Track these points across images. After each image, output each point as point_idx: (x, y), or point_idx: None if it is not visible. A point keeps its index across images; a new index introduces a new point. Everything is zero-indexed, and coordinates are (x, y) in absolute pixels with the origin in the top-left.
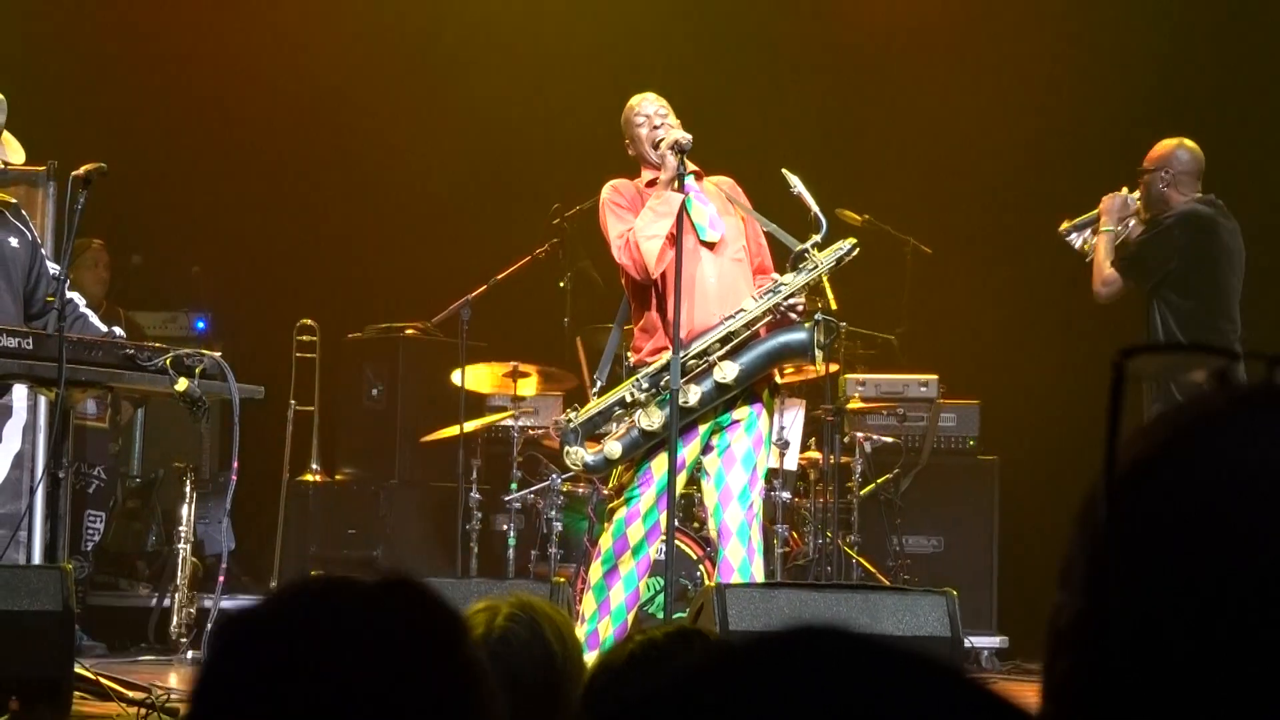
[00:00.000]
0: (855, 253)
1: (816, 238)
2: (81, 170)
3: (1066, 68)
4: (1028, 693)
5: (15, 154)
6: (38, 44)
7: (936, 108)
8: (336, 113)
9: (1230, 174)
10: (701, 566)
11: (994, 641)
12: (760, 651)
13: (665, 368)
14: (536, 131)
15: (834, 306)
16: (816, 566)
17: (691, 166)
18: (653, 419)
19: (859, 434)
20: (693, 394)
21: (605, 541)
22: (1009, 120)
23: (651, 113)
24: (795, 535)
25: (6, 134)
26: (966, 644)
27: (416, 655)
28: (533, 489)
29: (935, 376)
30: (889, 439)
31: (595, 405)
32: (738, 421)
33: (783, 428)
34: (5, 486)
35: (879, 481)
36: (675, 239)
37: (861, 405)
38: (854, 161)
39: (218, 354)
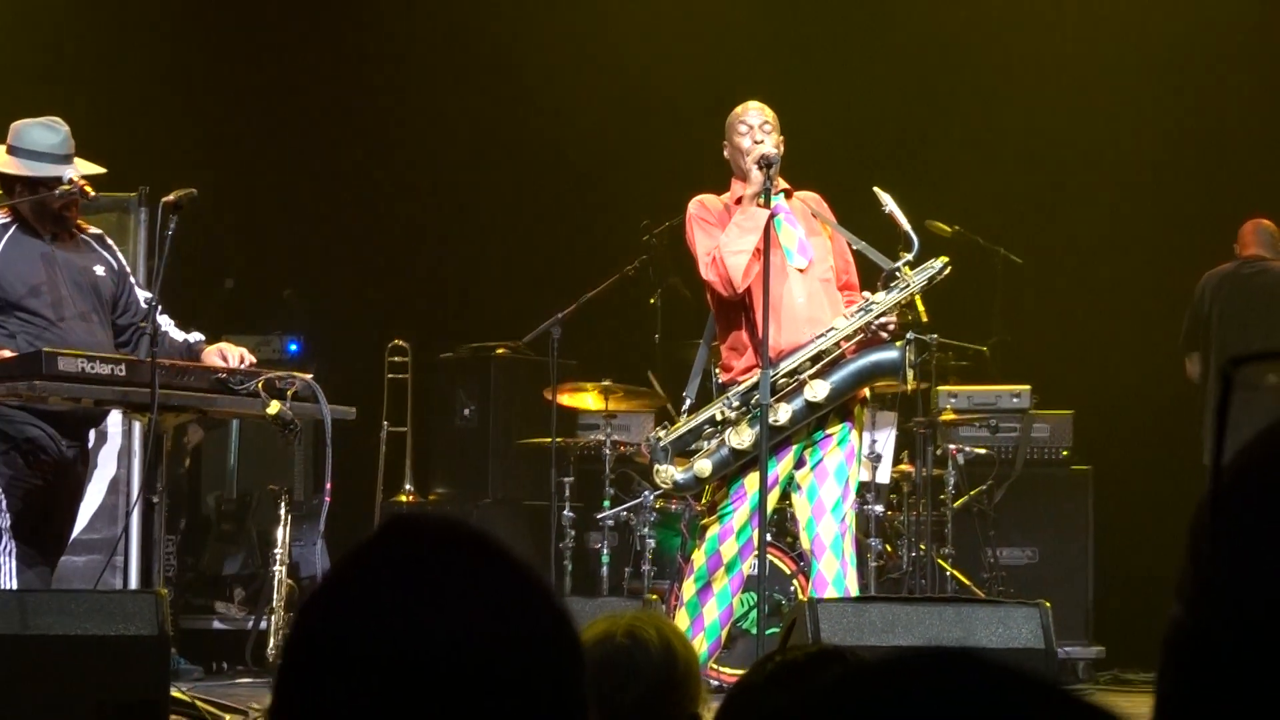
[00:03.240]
0: (946, 271)
1: (908, 256)
2: (172, 196)
3: (1157, 73)
4: (1125, 703)
5: (90, 168)
6: (129, 68)
7: (1025, 116)
8: (424, 134)
9: None
10: (795, 581)
11: (1090, 652)
12: (892, 673)
13: (756, 386)
14: (624, 147)
15: (925, 320)
16: (910, 579)
17: (782, 184)
18: (743, 437)
19: (951, 446)
20: (783, 412)
21: (699, 558)
22: (1098, 128)
23: (756, 123)
24: (889, 548)
25: (80, 161)
26: (1062, 655)
27: (510, 596)
28: (625, 506)
29: (1028, 387)
30: (982, 450)
31: (685, 423)
32: (830, 435)
33: (874, 441)
34: (101, 512)
35: (972, 493)
36: (763, 256)
37: (954, 417)
38: (943, 173)
39: (309, 376)
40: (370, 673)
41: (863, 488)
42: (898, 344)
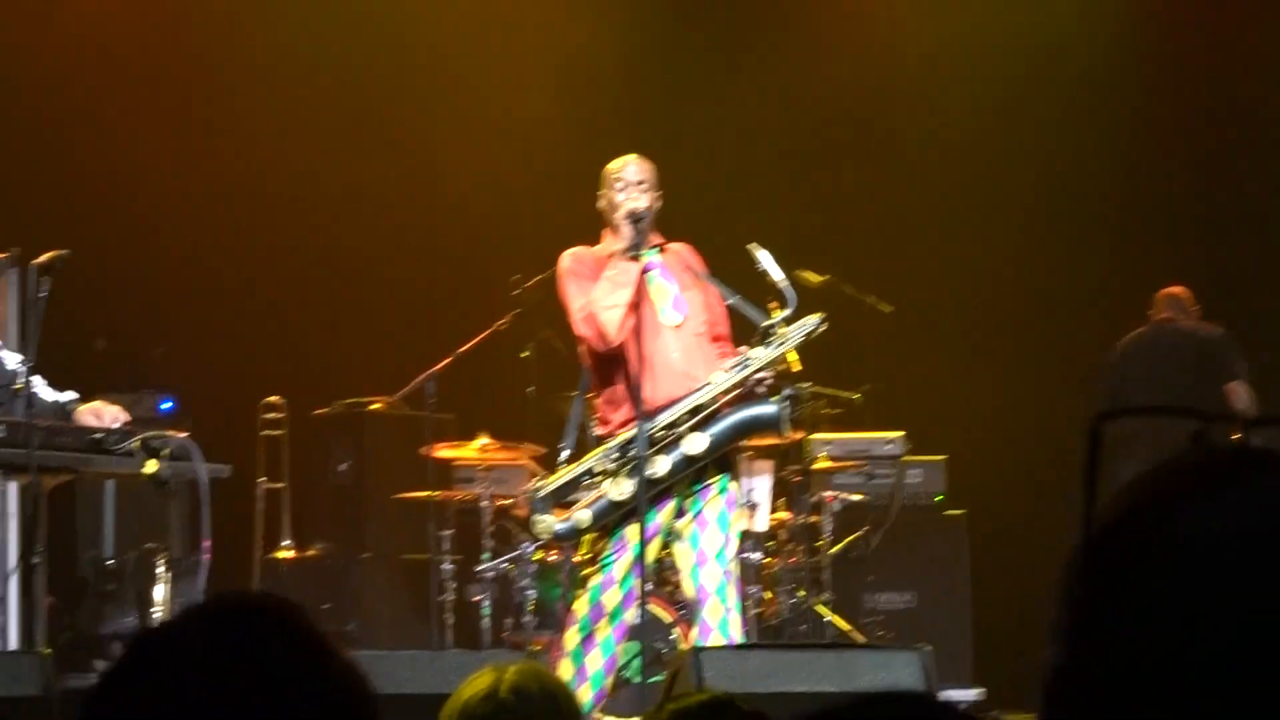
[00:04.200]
0: (823, 328)
1: (785, 312)
2: (44, 258)
3: (1019, 118)
4: None
5: None
6: None
7: (895, 164)
8: (295, 187)
9: None
10: (676, 630)
11: (971, 694)
12: (851, 714)
13: (634, 438)
14: (496, 202)
15: (797, 368)
16: (791, 626)
17: (656, 239)
18: (622, 489)
19: (827, 493)
20: (662, 464)
21: (581, 608)
22: (964, 175)
23: (632, 180)
24: (768, 595)
25: None
26: (942, 698)
27: (290, 671)
28: (505, 558)
29: (901, 433)
30: (857, 497)
31: (563, 474)
32: (709, 485)
33: (751, 489)
34: None
35: (849, 540)
36: (636, 311)
37: (829, 464)
38: (813, 221)
39: (185, 434)
40: None
41: (741, 535)
42: (774, 398)
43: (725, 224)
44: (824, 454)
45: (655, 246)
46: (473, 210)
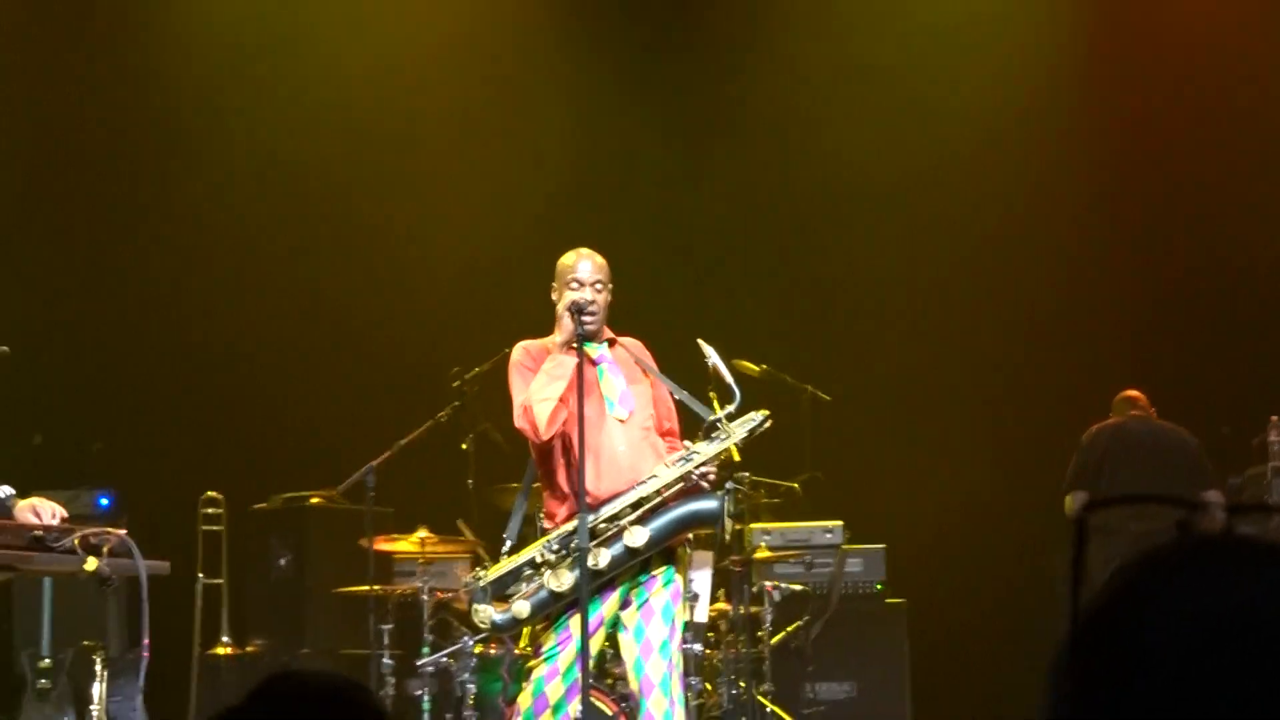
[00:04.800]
0: (767, 424)
1: (730, 408)
2: None
3: (966, 214)
4: None
5: None
6: None
7: (833, 255)
8: (232, 282)
9: None
10: None
11: None
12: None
13: (575, 530)
14: (434, 295)
15: (737, 459)
16: (731, 718)
17: (606, 334)
18: (562, 580)
19: (767, 583)
20: (603, 557)
21: (524, 700)
22: (905, 263)
23: (586, 280)
24: (709, 687)
25: None
26: None
27: None
28: (445, 652)
29: (840, 523)
30: (797, 586)
31: (504, 565)
32: (655, 576)
33: (692, 580)
34: None
35: (789, 630)
36: (579, 403)
37: (768, 554)
38: (752, 311)
39: (124, 532)
40: None
41: (682, 627)
42: (717, 493)
43: (670, 316)
44: (763, 544)
45: (605, 341)
46: (414, 302)
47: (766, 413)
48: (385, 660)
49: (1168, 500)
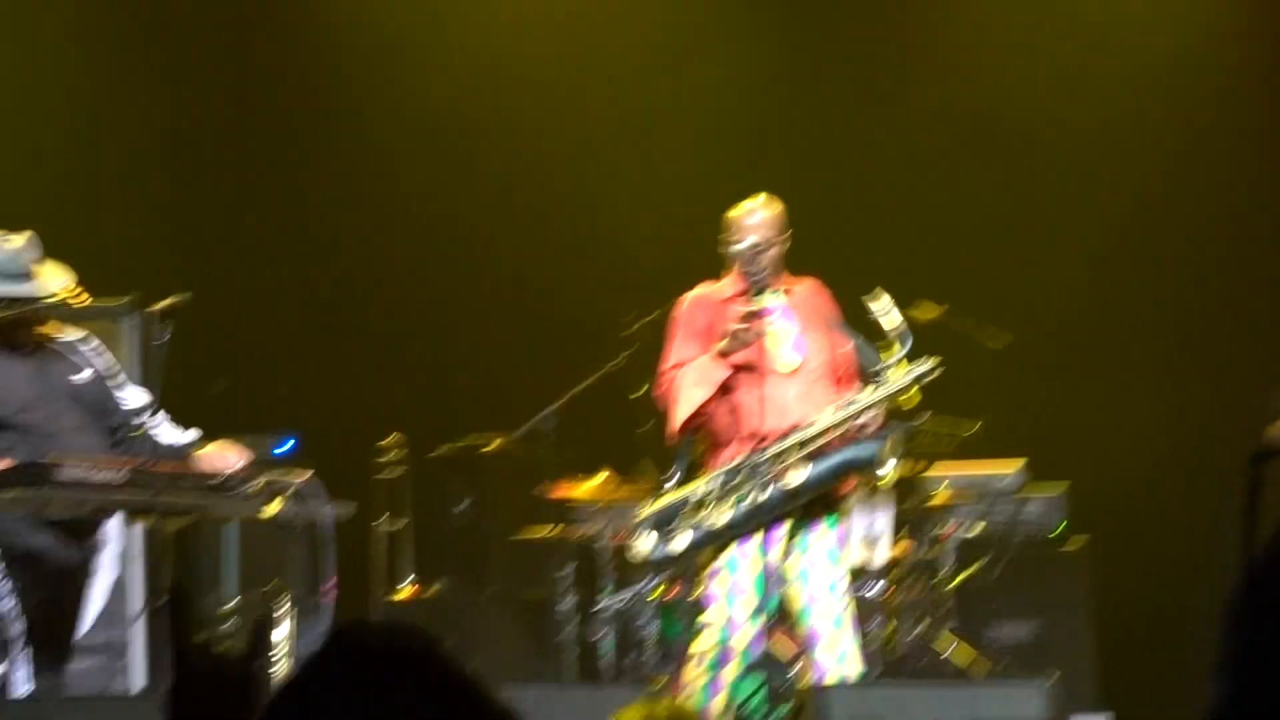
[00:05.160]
0: (937, 373)
1: (899, 354)
2: (166, 303)
3: (1151, 143)
4: None
5: (68, 280)
6: (118, 173)
7: (1016, 194)
8: (414, 228)
9: None
10: (798, 666)
11: (1099, 719)
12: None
13: (738, 469)
14: (612, 238)
15: (915, 402)
16: (913, 659)
17: (782, 281)
18: (721, 517)
19: (947, 526)
20: (762, 494)
21: (707, 648)
22: (1081, 204)
23: (746, 244)
24: (890, 628)
25: (50, 264)
26: None
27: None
28: (625, 595)
29: (1021, 463)
30: (977, 529)
31: (664, 500)
32: (818, 521)
33: (872, 522)
34: (104, 616)
35: (970, 571)
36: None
37: (948, 498)
38: (930, 252)
39: (308, 475)
40: None
41: (861, 570)
42: (876, 440)
43: (853, 258)
44: (944, 487)
45: (781, 289)
46: (591, 247)
47: (936, 360)
48: (565, 604)
49: None
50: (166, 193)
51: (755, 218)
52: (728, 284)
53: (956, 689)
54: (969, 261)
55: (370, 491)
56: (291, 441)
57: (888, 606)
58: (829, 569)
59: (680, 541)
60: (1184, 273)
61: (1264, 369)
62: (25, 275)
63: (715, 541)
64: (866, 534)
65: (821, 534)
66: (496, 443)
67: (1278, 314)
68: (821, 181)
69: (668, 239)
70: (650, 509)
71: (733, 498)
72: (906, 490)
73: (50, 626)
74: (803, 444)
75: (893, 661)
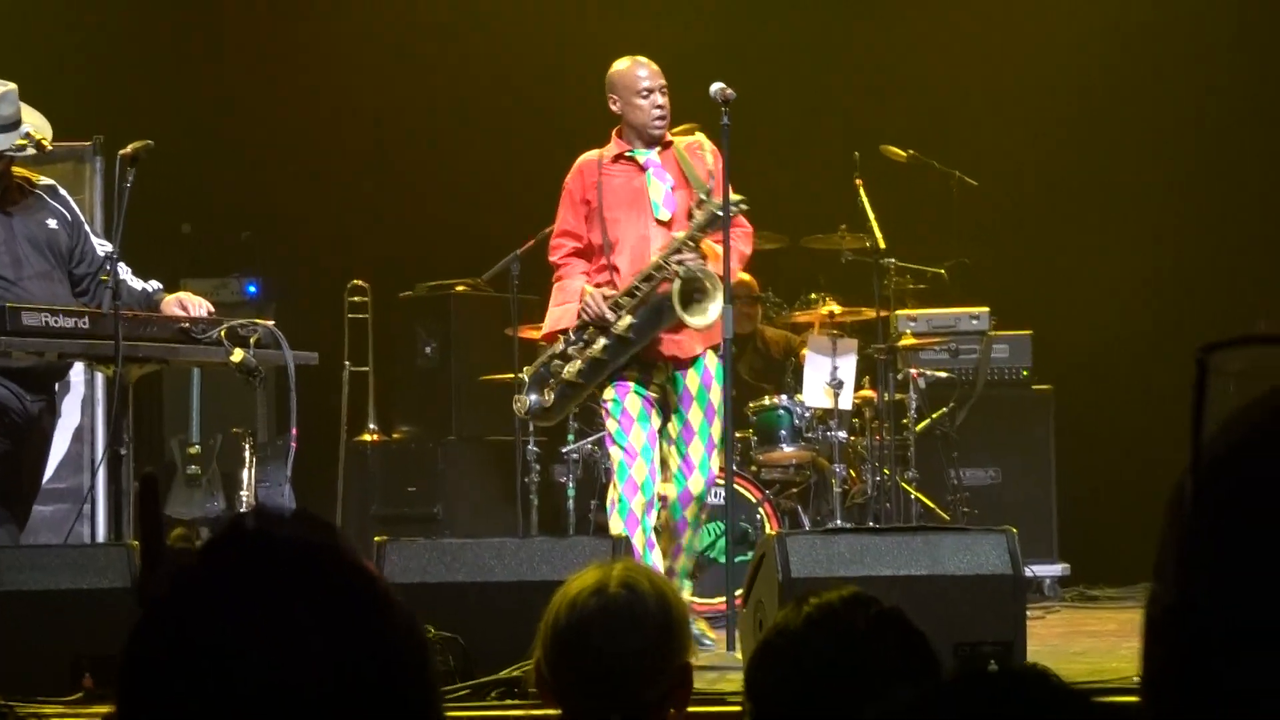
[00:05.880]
0: (741, 209)
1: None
2: (129, 149)
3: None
4: (1092, 620)
5: (44, 128)
6: (79, 16)
7: (977, 37)
8: (377, 70)
9: None
10: (761, 509)
11: (1055, 569)
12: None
13: (586, 325)
14: (575, 79)
15: (881, 245)
16: (875, 504)
17: (666, 136)
18: (573, 368)
19: (912, 370)
20: (599, 346)
21: (612, 493)
22: (1054, 48)
23: (654, 85)
24: (853, 474)
25: (26, 109)
26: (1029, 574)
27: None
28: (590, 439)
29: (986, 309)
30: (942, 373)
31: (539, 359)
32: (686, 369)
33: (836, 367)
34: (66, 461)
35: (934, 416)
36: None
37: (913, 341)
38: (896, 95)
39: (270, 322)
40: (205, 702)
41: (825, 414)
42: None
43: (806, 94)
44: (908, 330)
45: (660, 145)
46: (554, 88)
47: (738, 197)
48: (530, 447)
49: None
50: (133, 36)
51: (648, 70)
52: (611, 147)
53: (920, 538)
54: (928, 105)
55: (335, 335)
56: (255, 285)
57: (851, 452)
58: (698, 411)
59: (547, 396)
60: (1161, 117)
61: (1241, 234)
62: (6, 127)
63: (576, 393)
64: (830, 379)
65: (689, 379)
66: (462, 286)
67: (1258, 182)
68: (783, 27)
69: None
70: (530, 369)
71: (585, 351)
72: (870, 334)
73: (11, 476)
74: (631, 292)
75: (856, 505)
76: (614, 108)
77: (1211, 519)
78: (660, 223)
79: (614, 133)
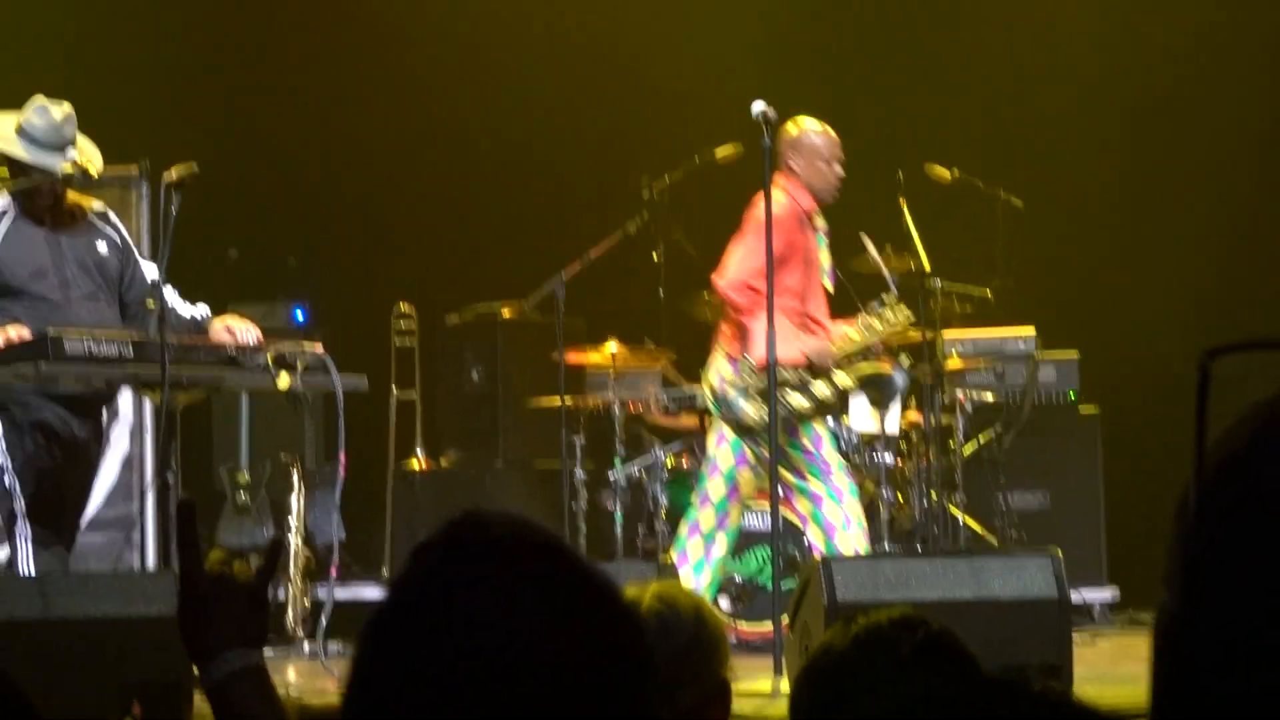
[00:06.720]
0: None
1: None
2: (174, 173)
3: (1164, 10)
4: (1142, 645)
5: (95, 158)
6: (127, 42)
7: (1022, 58)
8: (422, 99)
9: None
10: (808, 534)
11: (1105, 594)
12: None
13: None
14: (622, 104)
15: (927, 267)
16: (923, 529)
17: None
18: (801, 402)
19: (959, 393)
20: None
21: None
22: (1099, 69)
23: (840, 157)
24: (900, 498)
25: (81, 139)
26: (1077, 599)
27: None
28: (637, 464)
29: (1032, 330)
30: (989, 396)
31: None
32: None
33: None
34: (116, 489)
35: (981, 440)
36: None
37: (960, 364)
38: (941, 116)
39: (318, 348)
40: (443, 691)
41: (872, 438)
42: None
43: (847, 113)
44: (954, 352)
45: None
46: (600, 113)
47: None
48: (578, 472)
49: None
50: (179, 61)
51: (835, 141)
52: (802, 197)
53: (965, 562)
54: (976, 125)
55: (382, 359)
56: (302, 311)
57: (898, 476)
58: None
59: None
60: (1206, 135)
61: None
62: (62, 147)
63: (782, 423)
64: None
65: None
66: (509, 310)
67: None
68: (827, 45)
69: (680, 103)
70: (742, 381)
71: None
72: (917, 357)
73: (57, 501)
74: (851, 357)
75: (904, 530)
76: (794, 165)
77: (1214, 526)
78: (825, 291)
79: (794, 184)
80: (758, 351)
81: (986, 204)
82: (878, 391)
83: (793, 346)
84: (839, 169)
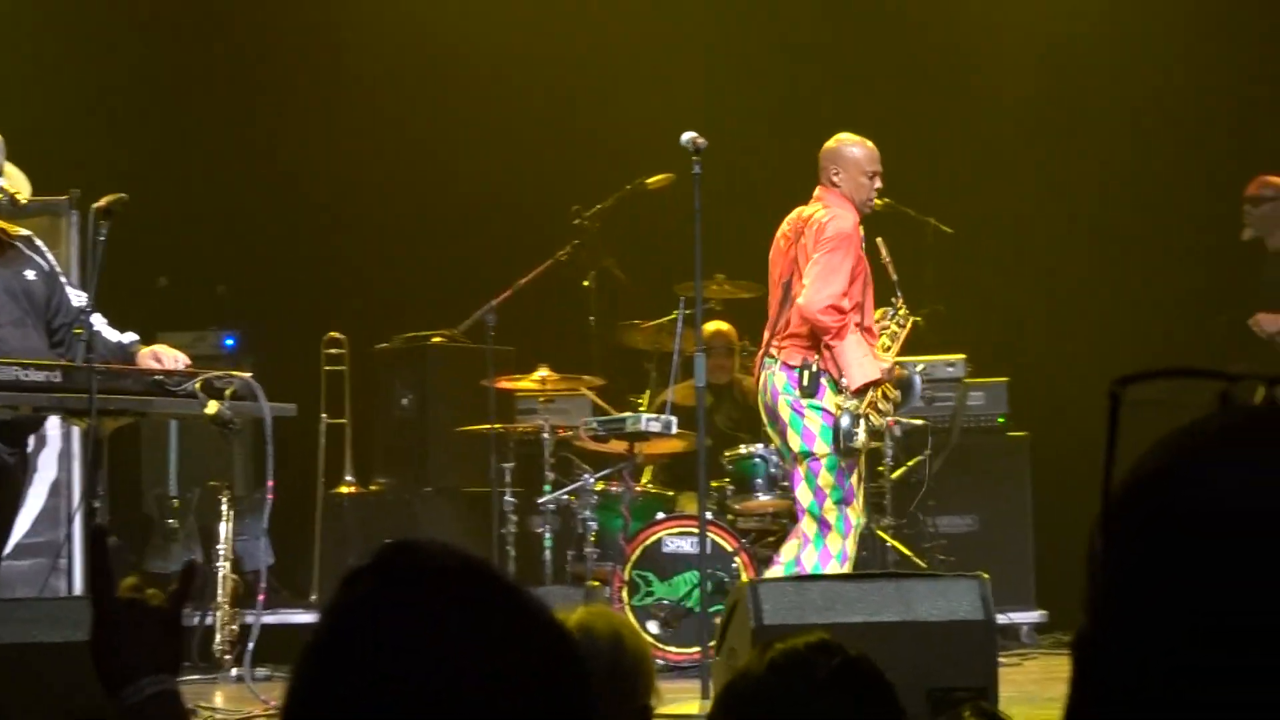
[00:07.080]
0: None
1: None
2: (103, 202)
3: (1094, 42)
4: (1066, 668)
5: (23, 185)
6: (56, 70)
7: (950, 87)
8: (353, 125)
9: None
10: (737, 558)
11: (1033, 616)
12: None
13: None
14: (552, 131)
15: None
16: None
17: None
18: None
19: (888, 417)
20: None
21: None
22: (1025, 97)
23: (879, 171)
24: None
25: (9, 167)
26: (1004, 620)
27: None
28: (567, 490)
29: (962, 356)
30: (918, 421)
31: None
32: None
33: None
34: (43, 515)
35: (910, 464)
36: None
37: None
38: (874, 143)
39: (248, 374)
40: (378, 717)
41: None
42: None
43: (779, 141)
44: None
45: None
46: (530, 141)
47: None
48: (507, 498)
49: (1209, 375)
50: (107, 91)
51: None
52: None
53: (892, 585)
54: (904, 154)
55: (312, 387)
56: (232, 339)
57: None
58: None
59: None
60: (1130, 162)
61: (1217, 279)
62: None
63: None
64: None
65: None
66: (439, 337)
67: (1223, 222)
68: (761, 74)
69: (611, 132)
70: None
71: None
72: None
73: None
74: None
75: None
76: (834, 178)
77: (1126, 546)
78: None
79: (835, 196)
80: (855, 374)
81: (916, 231)
82: (900, 394)
83: (874, 365)
84: (878, 182)
